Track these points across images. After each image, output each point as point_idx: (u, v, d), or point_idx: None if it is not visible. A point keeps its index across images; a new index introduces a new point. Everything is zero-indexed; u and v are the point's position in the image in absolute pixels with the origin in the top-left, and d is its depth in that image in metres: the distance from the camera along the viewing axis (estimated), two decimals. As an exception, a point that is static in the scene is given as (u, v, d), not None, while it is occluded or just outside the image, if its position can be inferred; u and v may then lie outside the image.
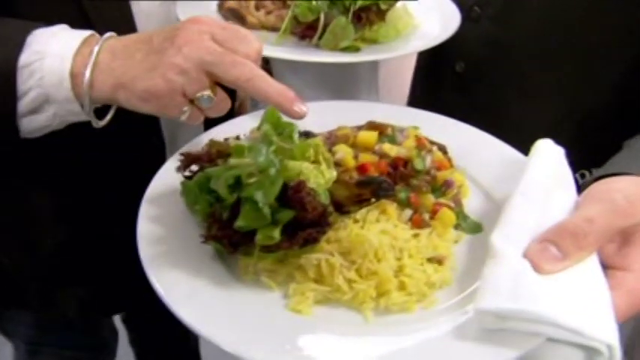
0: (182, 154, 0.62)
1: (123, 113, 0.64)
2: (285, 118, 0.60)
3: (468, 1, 0.98)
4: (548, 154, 0.64)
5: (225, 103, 0.64)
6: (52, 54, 0.60)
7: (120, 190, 0.86)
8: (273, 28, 0.92)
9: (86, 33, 0.62)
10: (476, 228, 0.64)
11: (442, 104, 1.04)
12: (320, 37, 0.85)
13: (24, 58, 0.59)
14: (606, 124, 1.06)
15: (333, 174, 0.58)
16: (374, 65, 1.29)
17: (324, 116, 0.75)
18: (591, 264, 0.54)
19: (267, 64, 1.26)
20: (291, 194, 0.54)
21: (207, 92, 0.60)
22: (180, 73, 0.59)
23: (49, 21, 0.64)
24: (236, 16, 0.93)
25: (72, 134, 0.66)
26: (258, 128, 0.60)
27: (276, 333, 0.50)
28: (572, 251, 0.53)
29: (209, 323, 0.50)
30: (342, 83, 1.23)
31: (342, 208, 0.62)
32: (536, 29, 1.02)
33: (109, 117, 0.65)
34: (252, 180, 0.53)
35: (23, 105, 0.60)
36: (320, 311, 0.54)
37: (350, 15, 0.83)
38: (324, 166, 0.58)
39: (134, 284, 0.98)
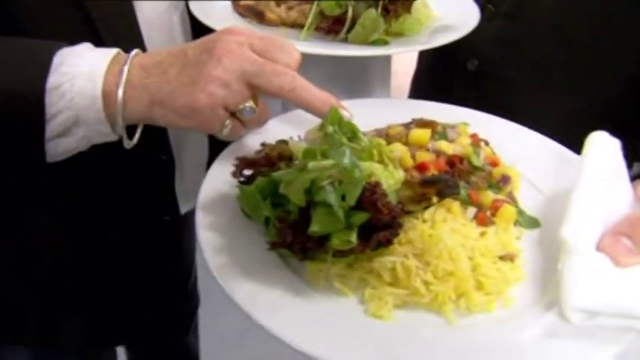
0: (236, 159, 0.60)
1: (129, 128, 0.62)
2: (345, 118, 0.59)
3: None
4: (605, 146, 0.63)
5: (265, 114, 0.64)
6: (82, 74, 0.57)
7: (127, 211, 0.83)
8: (294, 25, 0.90)
9: (113, 51, 0.60)
10: (533, 223, 0.64)
11: (453, 99, 1.03)
12: (348, 31, 0.84)
13: (52, 79, 0.56)
14: (620, 119, 1.07)
15: (401, 174, 0.57)
16: (387, 60, 1.28)
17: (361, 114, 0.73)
18: None
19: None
20: (368, 196, 0.52)
21: (250, 103, 0.60)
22: (221, 85, 0.57)
23: (53, 29, 0.63)
24: (254, 13, 0.91)
25: (78, 155, 0.63)
26: (319, 129, 0.59)
27: (369, 341, 0.49)
28: None
29: (299, 335, 0.48)
30: (354, 79, 1.21)
31: (404, 208, 0.61)
32: (549, 26, 1.03)
33: (137, 135, 0.63)
34: (325, 183, 0.51)
35: (52, 128, 0.57)
36: (401, 315, 0.53)
37: (380, 8, 0.82)
38: (391, 167, 0.57)
39: (137, 312, 0.95)
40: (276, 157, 0.58)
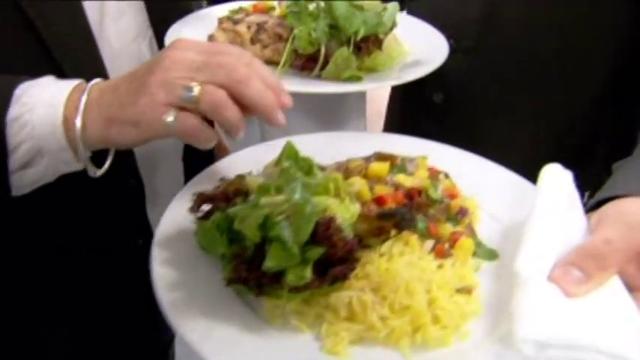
0: (194, 194, 0.59)
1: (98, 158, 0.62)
2: (302, 154, 0.59)
3: (443, 33, 1.01)
4: (558, 178, 0.65)
5: (218, 98, 0.58)
6: (43, 104, 0.58)
7: (99, 235, 0.82)
8: (269, 62, 0.91)
9: (75, 81, 0.61)
10: (492, 255, 0.64)
11: (420, 134, 1.05)
12: (321, 68, 0.85)
13: (13, 111, 0.57)
14: (583, 147, 1.10)
15: (357, 208, 0.57)
16: (362, 95, 1.31)
17: (320, 148, 0.74)
18: (616, 286, 0.55)
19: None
20: (322, 231, 0.52)
21: (189, 85, 0.57)
22: (161, 85, 0.57)
23: (13, 64, 0.63)
24: None
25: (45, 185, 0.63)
26: (276, 164, 0.59)
27: None
28: (595, 272, 0.54)
29: None
30: (331, 113, 1.23)
31: (361, 242, 0.61)
32: (510, 58, 1.06)
33: (108, 163, 0.63)
34: (279, 218, 0.51)
35: (15, 160, 0.57)
36: (356, 352, 0.52)
37: (351, 46, 0.83)
38: (347, 201, 0.57)
39: (111, 339, 0.93)
40: (232, 192, 0.58)
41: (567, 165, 1.00)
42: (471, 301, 0.57)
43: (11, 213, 0.73)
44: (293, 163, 0.56)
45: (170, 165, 0.91)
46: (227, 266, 0.54)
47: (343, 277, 0.54)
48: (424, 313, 0.54)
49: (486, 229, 0.68)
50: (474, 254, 0.64)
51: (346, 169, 0.66)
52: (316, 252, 0.53)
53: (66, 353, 0.89)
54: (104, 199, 0.79)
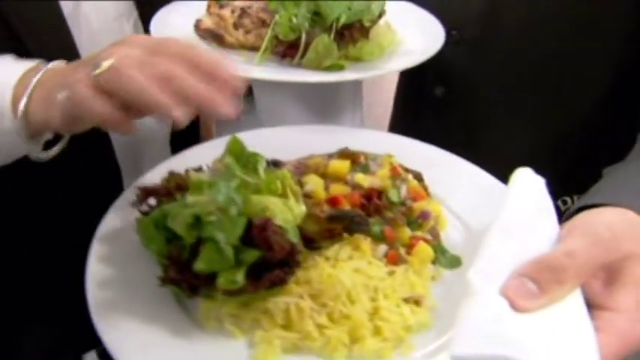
0: (138, 187, 0.57)
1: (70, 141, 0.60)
2: (250, 149, 0.56)
3: (446, 24, 0.96)
4: (528, 183, 0.60)
5: (124, 73, 0.51)
6: None
7: (78, 220, 0.81)
8: (253, 48, 0.88)
9: (30, 63, 0.58)
10: (455, 262, 0.60)
11: (421, 128, 1.01)
12: (302, 56, 0.82)
13: None
14: (584, 149, 1.04)
15: (302, 209, 0.54)
16: (358, 84, 1.27)
17: (296, 142, 0.71)
18: (574, 303, 0.51)
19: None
20: (256, 233, 0.49)
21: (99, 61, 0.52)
22: (85, 65, 0.53)
23: None
24: (213, 36, 0.89)
25: (17, 165, 0.61)
26: (221, 160, 0.56)
27: None
28: (551, 286, 0.50)
29: None
30: (324, 103, 1.20)
31: (312, 243, 0.58)
32: (512, 55, 1.01)
33: (56, 148, 0.61)
34: (212, 218, 0.49)
35: None
36: (288, 361, 0.50)
37: (333, 33, 0.79)
38: (292, 201, 0.54)
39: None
40: (173, 187, 0.55)
41: (567, 169, 0.95)
42: (418, 312, 0.53)
43: None
44: (234, 160, 0.53)
45: (156, 153, 0.89)
46: (162, 266, 0.52)
47: (281, 282, 0.52)
48: (364, 323, 0.51)
49: (455, 235, 0.64)
50: (435, 261, 0.60)
51: (305, 166, 0.63)
52: (252, 255, 0.50)
53: (49, 339, 0.89)
54: (79, 186, 0.78)
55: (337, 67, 0.83)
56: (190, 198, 0.48)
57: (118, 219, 0.59)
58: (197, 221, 0.49)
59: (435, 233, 0.62)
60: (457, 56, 0.99)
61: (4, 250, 0.80)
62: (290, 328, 0.51)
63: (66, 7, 0.71)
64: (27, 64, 0.58)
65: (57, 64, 0.58)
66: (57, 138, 0.61)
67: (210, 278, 0.50)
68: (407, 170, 0.68)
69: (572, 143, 1.03)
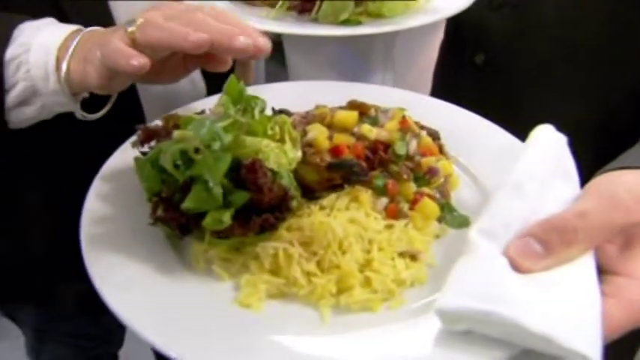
0: (139, 128, 0.57)
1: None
2: (252, 92, 0.55)
3: None
4: (548, 141, 0.56)
5: (151, 18, 0.55)
6: (38, 47, 0.58)
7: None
8: (270, 4, 0.86)
9: (73, 27, 0.60)
10: (463, 222, 0.57)
11: (460, 97, 0.97)
12: (319, 11, 0.80)
13: (11, 51, 0.58)
14: (630, 127, 0.98)
15: (297, 154, 0.52)
16: (389, 48, 1.23)
17: (312, 96, 0.69)
18: (583, 266, 0.47)
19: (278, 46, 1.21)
20: (245, 174, 0.48)
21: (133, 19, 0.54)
22: (121, 27, 0.56)
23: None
24: None
25: (57, 123, 0.63)
26: (220, 102, 0.55)
27: (215, 330, 0.44)
28: (558, 247, 0.47)
29: (142, 315, 0.44)
30: (355, 64, 1.17)
31: (312, 192, 0.56)
32: (562, 20, 0.95)
33: (103, 110, 0.63)
34: (199, 156, 0.47)
35: (11, 97, 0.59)
36: (272, 307, 0.48)
37: None
38: (288, 145, 0.52)
39: None
40: (172, 127, 0.55)
41: (612, 147, 0.88)
42: (413, 267, 0.51)
43: (18, 152, 0.74)
44: (229, 100, 0.52)
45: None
46: (151, 204, 0.51)
47: (270, 227, 0.50)
48: (353, 273, 0.49)
49: (468, 195, 0.61)
50: (441, 219, 0.57)
51: (312, 116, 0.61)
52: (241, 196, 0.49)
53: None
54: (113, 145, 0.79)
55: (353, 22, 0.80)
56: (177, 133, 0.47)
57: (123, 159, 0.59)
58: (189, 160, 0.48)
59: (444, 191, 0.59)
60: (499, 21, 0.94)
61: (39, 205, 0.82)
62: (277, 273, 0.50)
63: None
64: (68, 28, 0.60)
65: (95, 28, 0.60)
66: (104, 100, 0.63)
67: (198, 218, 0.49)
68: (422, 127, 0.65)
69: (617, 120, 0.97)
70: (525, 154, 0.55)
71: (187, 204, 0.48)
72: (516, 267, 0.47)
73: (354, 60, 1.19)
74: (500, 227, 0.50)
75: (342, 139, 0.58)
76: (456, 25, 1.12)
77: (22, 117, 0.60)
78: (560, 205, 0.52)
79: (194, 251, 0.52)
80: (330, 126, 0.60)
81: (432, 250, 0.54)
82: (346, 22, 0.80)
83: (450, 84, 1.19)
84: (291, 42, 1.28)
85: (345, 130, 0.60)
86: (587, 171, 0.57)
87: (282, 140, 0.53)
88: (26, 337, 1.15)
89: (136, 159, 0.55)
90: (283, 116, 0.54)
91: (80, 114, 0.62)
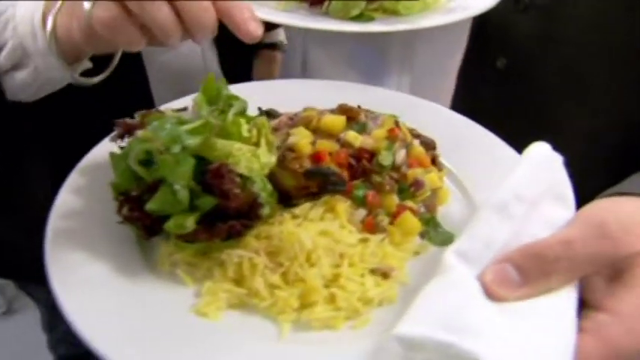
0: (118, 122, 0.56)
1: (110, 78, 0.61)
2: (232, 91, 0.53)
3: None
4: (540, 160, 0.52)
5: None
6: (24, 2, 0.56)
7: None
8: None
9: None
10: (446, 239, 0.54)
11: (480, 102, 0.94)
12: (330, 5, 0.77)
13: None
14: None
15: (271, 159, 0.50)
16: (408, 48, 1.19)
17: (310, 96, 0.67)
18: (563, 298, 0.44)
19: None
20: (210, 178, 0.46)
21: None
22: None
23: None
24: None
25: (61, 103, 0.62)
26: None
27: (162, 338, 0.43)
28: (536, 277, 0.44)
29: (89, 317, 0.43)
30: (371, 63, 1.14)
31: (290, 199, 0.54)
32: (594, 24, 0.90)
33: (101, 76, 0.61)
34: (163, 157, 0.46)
35: (3, 59, 0.57)
36: (231, 317, 0.46)
37: None
38: (263, 149, 0.50)
39: None
40: (148, 123, 0.53)
41: (630, 172, 0.83)
42: (383, 285, 0.48)
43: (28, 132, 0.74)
44: (204, 99, 0.50)
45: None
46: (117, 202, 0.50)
47: (237, 234, 0.48)
48: (317, 288, 0.46)
49: (458, 211, 0.58)
50: (424, 235, 0.54)
51: (298, 119, 0.59)
52: (207, 201, 0.47)
53: None
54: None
55: (365, 18, 0.77)
56: (140, 132, 0.45)
57: (103, 154, 0.58)
58: (152, 160, 0.47)
59: (430, 205, 0.56)
60: (525, 24, 0.90)
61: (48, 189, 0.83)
62: (241, 282, 0.48)
63: None
64: None
65: None
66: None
67: (163, 220, 0.48)
68: (417, 135, 0.62)
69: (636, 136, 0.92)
70: (514, 172, 0.52)
71: (151, 205, 0.47)
72: (490, 294, 0.44)
73: (371, 59, 1.16)
74: (479, 250, 0.47)
75: (325, 145, 0.55)
76: (479, 26, 1.08)
77: (16, 82, 0.58)
78: (548, 230, 0.49)
79: (162, 254, 0.51)
80: (317, 130, 0.58)
81: (407, 267, 0.51)
82: (357, 18, 0.77)
83: (470, 88, 1.15)
84: (311, 35, 1.26)
85: (330, 135, 0.57)
86: (600, 192, 0.54)
87: (258, 144, 0.51)
88: (41, 313, 1.17)
89: (111, 154, 0.54)
90: (262, 119, 0.52)
91: (74, 78, 0.59)
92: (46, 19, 0.55)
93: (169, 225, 0.47)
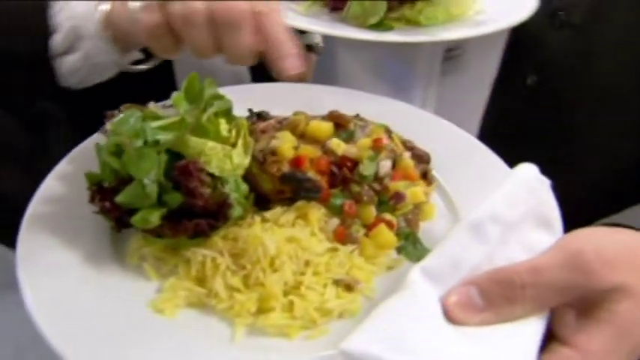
0: (107, 113, 0.56)
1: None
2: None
3: (549, 5, 0.84)
4: (525, 182, 0.50)
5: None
6: None
7: None
8: None
9: None
10: (423, 256, 0.52)
11: (509, 120, 0.91)
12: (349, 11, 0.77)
13: None
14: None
15: (244, 161, 0.50)
16: (435, 60, 1.17)
17: (311, 101, 0.66)
18: (526, 327, 0.42)
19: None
20: (176, 175, 0.46)
21: None
22: None
23: None
24: None
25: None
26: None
27: (114, 330, 0.43)
28: (499, 303, 0.42)
29: (46, 301, 0.44)
30: (398, 73, 1.12)
31: (267, 202, 0.54)
32: (624, 42, 0.87)
33: (149, 64, 0.63)
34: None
35: (57, 41, 0.59)
36: (187, 316, 0.46)
37: None
38: (238, 150, 0.50)
39: None
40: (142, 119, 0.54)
41: None
42: (345, 297, 0.47)
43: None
44: (183, 95, 0.50)
45: None
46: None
47: (202, 233, 0.48)
48: (275, 295, 0.46)
49: (443, 228, 0.56)
50: (401, 250, 0.53)
51: (280, 122, 0.58)
52: (175, 198, 0.47)
53: None
54: None
55: (384, 27, 0.75)
56: (109, 124, 0.46)
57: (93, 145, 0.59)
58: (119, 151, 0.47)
59: (411, 220, 0.55)
60: (558, 41, 0.87)
61: None
62: (203, 282, 0.48)
63: None
64: None
65: None
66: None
67: (132, 213, 0.48)
68: (411, 147, 0.61)
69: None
70: (496, 193, 0.49)
71: (121, 198, 0.47)
72: (450, 317, 0.43)
73: (399, 69, 1.14)
74: (447, 269, 0.45)
75: (307, 150, 0.55)
76: (511, 42, 1.05)
77: (67, 67, 0.60)
78: (526, 255, 0.46)
79: (132, 246, 0.51)
80: (303, 135, 0.57)
81: (376, 281, 0.50)
82: (376, 27, 0.76)
83: (496, 104, 1.12)
84: (337, 41, 1.25)
85: (316, 141, 0.56)
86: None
87: (235, 144, 0.51)
88: None
89: (97, 145, 0.55)
90: (242, 119, 0.52)
91: (123, 65, 0.61)
92: (99, 6, 0.57)
93: (136, 219, 0.47)
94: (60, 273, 0.47)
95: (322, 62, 1.25)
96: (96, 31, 0.58)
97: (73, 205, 0.53)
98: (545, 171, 0.50)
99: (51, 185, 0.55)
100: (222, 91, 0.52)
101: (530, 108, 1.01)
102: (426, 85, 1.13)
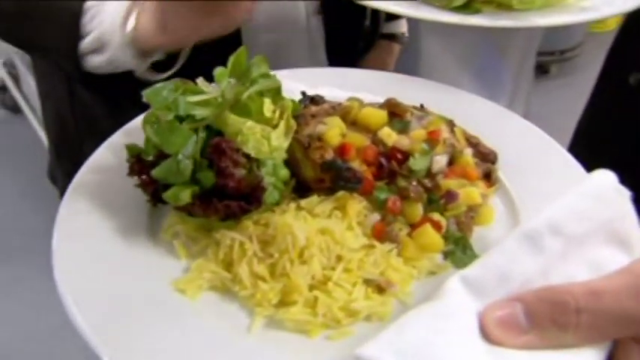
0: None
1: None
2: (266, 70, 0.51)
3: None
4: (599, 192, 0.43)
5: None
6: (112, 2, 0.61)
7: None
8: None
9: None
10: (467, 264, 0.47)
11: (604, 122, 0.83)
12: None
13: (89, 2, 0.61)
14: None
15: (283, 144, 0.47)
16: (528, 54, 1.09)
17: (379, 89, 0.62)
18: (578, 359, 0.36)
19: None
20: (209, 153, 0.45)
21: None
22: None
23: None
24: None
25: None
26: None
27: (131, 306, 0.42)
28: (547, 326, 0.36)
29: (70, 269, 0.44)
30: (485, 65, 1.05)
31: (308, 190, 0.51)
32: None
33: (172, 71, 0.64)
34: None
35: (85, 44, 0.62)
36: (208, 299, 0.45)
37: None
38: (278, 132, 0.47)
39: None
40: (181, 93, 0.53)
41: None
42: (376, 299, 0.43)
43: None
44: (228, 72, 0.48)
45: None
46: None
47: (232, 215, 0.46)
48: (299, 287, 0.43)
49: (502, 235, 0.51)
50: (449, 255, 0.48)
51: (332, 108, 0.55)
52: (208, 176, 0.46)
53: None
54: None
55: (470, 10, 0.68)
56: (145, 91, 0.45)
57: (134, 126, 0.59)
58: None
59: (464, 223, 0.50)
60: None
61: None
62: (228, 266, 0.46)
63: None
64: None
65: None
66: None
67: (167, 189, 0.47)
68: (475, 144, 0.55)
69: None
70: (561, 201, 0.43)
71: (156, 172, 0.47)
72: (487, 335, 0.38)
73: (488, 56, 1.06)
74: (491, 281, 0.40)
75: (354, 138, 0.51)
76: (615, 38, 0.96)
77: (92, 64, 0.63)
78: (590, 274, 0.40)
79: (168, 222, 0.50)
80: (355, 122, 0.54)
81: (413, 286, 0.45)
82: (462, 9, 0.68)
83: (600, 103, 1.03)
84: (427, 29, 1.19)
85: (367, 129, 0.53)
86: None
87: (276, 126, 0.48)
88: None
89: (144, 117, 0.55)
90: (287, 101, 0.49)
91: (142, 74, 0.63)
92: (127, 20, 0.59)
93: (168, 194, 0.46)
94: (92, 240, 0.47)
95: (405, 52, 1.19)
96: (120, 43, 0.60)
97: (119, 176, 0.53)
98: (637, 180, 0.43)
99: (101, 154, 0.55)
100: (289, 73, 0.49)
101: (630, 109, 0.91)
102: (517, 74, 1.05)
